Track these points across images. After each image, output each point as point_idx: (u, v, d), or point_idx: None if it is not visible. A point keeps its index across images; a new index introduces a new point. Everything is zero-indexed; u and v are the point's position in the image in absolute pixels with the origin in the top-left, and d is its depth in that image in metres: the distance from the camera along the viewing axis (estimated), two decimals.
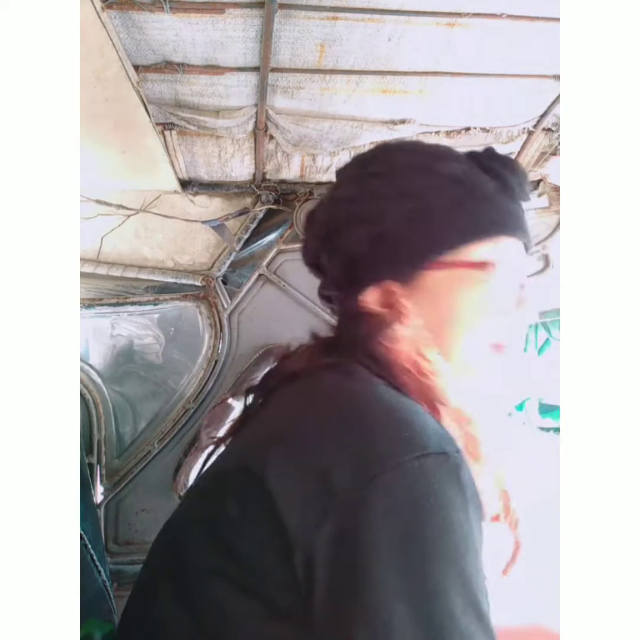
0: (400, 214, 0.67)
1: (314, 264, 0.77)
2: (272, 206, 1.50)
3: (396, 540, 0.43)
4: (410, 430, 0.47)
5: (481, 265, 0.64)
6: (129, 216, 1.49)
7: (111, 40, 0.83)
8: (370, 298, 0.66)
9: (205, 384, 1.54)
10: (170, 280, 1.53)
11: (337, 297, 0.75)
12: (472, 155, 0.72)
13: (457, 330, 0.64)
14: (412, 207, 0.67)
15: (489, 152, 0.73)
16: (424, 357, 0.60)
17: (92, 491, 1.47)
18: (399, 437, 0.47)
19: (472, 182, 0.68)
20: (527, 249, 0.74)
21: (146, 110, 1.05)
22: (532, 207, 1.52)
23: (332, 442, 0.48)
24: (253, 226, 1.52)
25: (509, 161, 0.73)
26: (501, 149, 1.34)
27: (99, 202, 1.45)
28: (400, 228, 0.66)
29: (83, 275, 1.49)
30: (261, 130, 1.24)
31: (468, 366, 0.64)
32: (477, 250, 0.65)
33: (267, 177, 1.48)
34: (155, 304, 1.53)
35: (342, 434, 0.49)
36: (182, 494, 1.53)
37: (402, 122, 1.25)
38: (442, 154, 0.72)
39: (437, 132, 1.32)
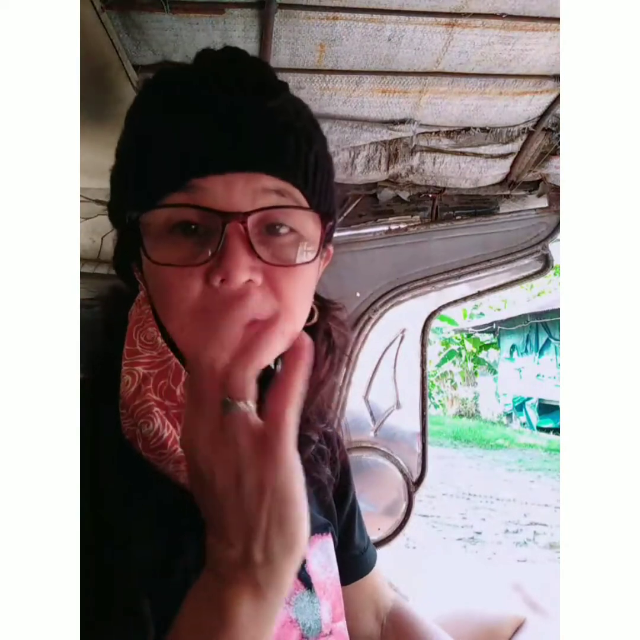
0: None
1: None
2: None
3: None
4: None
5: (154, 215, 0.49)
6: None
7: (111, 40, 0.83)
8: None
9: None
10: None
11: None
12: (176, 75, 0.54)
13: (160, 303, 0.51)
14: (116, 174, 0.58)
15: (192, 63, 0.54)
16: (130, 339, 0.53)
17: None
18: None
19: (152, 124, 0.51)
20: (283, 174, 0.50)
21: None
22: (532, 207, 1.52)
23: None
24: None
25: (204, 67, 0.52)
26: (501, 149, 1.35)
27: (99, 202, 1.45)
28: (111, 203, 0.58)
29: (83, 275, 1.49)
30: None
31: (188, 345, 0.50)
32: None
33: None
34: None
35: None
36: None
37: (402, 122, 1.26)
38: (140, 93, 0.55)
39: (437, 133, 1.32)
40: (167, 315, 0.50)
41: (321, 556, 0.66)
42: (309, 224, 0.52)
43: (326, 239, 0.54)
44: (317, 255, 0.53)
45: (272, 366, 0.56)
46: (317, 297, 0.60)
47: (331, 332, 0.63)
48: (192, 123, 0.49)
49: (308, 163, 0.52)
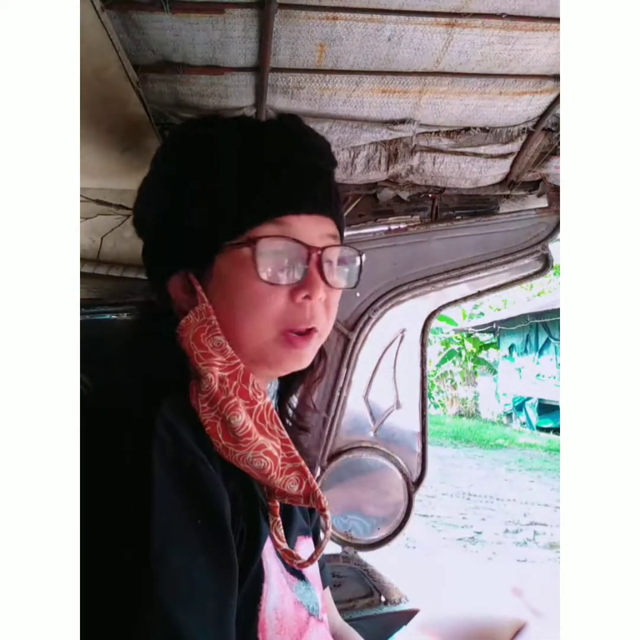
0: (183, 201, 0.64)
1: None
2: None
3: None
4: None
5: (249, 242, 0.60)
6: (129, 216, 1.48)
7: (111, 40, 0.83)
8: (172, 288, 0.65)
9: None
10: None
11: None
12: (260, 126, 0.69)
13: (245, 317, 0.61)
14: (193, 193, 0.64)
15: (276, 121, 0.70)
16: (199, 344, 0.60)
17: None
18: None
19: (249, 161, 0.63)
20: (337, 224, 0.68)
21: (146, 110, 1.05)
22: (532, 207, 1.52)
23: None
24: None
25: (294, 129, 0.67)
26: (501, 149, 1.35)
27: (99, 202, 1.45)
28: (184, 216, 0.64)
29: (83, 275, 1.49)
30: None
31: (268, 356, 0.63)
32: (261, 232, 0.61)
33: None
34: None
35: None
36: None
37: (402, 122, 1.25)
38: (228, 128, 0.67)
39: (437, 133, 1.32)
40: (247, 324, 0.61)
41: (306, 556, 0.72)
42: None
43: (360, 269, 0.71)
44: (357, 283, 0.70)
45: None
46: None
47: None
48: (289, 174, 0.63)
49: (342, 213, 0.71)
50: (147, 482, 0.49)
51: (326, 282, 0.64)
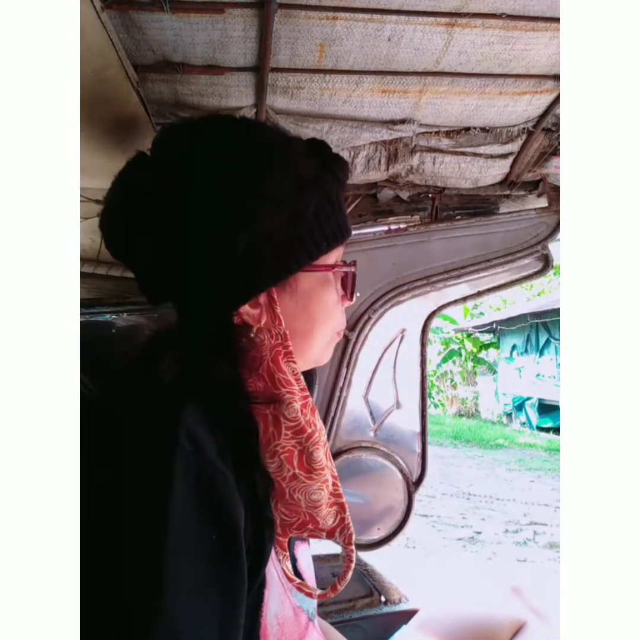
0: (268, 222, 0.62)
1: None
2: None
3: None
4: None
5: (333, 267, 0.70)
6: None
7: (111, 40, 0.83)
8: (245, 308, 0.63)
9: None
10: None
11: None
12: (314, 151, 0.70)
13: (320, 326, 0.69)
14: (281, 213, 0.62)
15: (320, 146, 0.72)
16: (280, 368, 0.61)
17: None
18: None
19: (322, 183, 0.67)
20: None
21: (146, 110, 1.05)
22: (532, 207, 1.52)
23: None
24: None
25: (335, 156, 0.72)
26: (501, 149, 1.35)
27: (99, 202, 1.45)
28: (273, 234, 0.62)
29: (83, 275, 1.49)
30: None
31: (321, 355, 0.72)
32: (332, 254, 0.69)
33: None
34: None
35: None
36: None
37: (402, 122, 1.25)
38: (295, 150, 0.68)
39: (437, 133, 1.32)
40: (320, 332, 0.69)
41: (304, 559, 0.75)
42: None
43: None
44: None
45: None
46: None
47: None
48: (340, 199, 0.70)
49: None
50: (166, 491, 0.49)
51: None
